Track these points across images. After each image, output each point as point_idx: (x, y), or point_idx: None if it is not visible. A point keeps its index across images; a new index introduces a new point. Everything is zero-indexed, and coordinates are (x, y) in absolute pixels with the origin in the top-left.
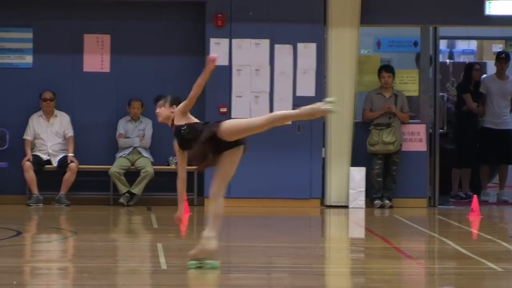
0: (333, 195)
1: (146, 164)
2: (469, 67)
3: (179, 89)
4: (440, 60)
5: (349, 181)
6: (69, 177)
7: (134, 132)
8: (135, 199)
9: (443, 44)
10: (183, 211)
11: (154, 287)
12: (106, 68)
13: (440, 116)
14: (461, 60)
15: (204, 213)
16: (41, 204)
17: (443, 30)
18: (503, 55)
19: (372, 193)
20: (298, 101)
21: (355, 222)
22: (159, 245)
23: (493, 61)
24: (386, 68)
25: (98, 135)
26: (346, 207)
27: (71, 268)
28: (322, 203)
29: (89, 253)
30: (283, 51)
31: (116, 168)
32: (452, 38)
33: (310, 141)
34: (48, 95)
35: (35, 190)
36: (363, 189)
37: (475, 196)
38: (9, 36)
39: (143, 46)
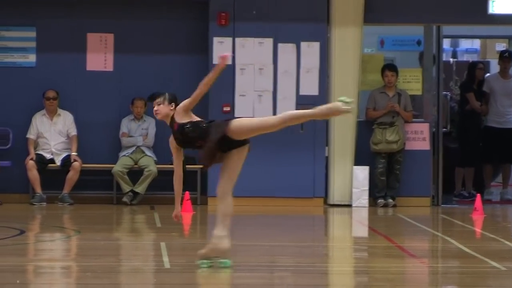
0: (336, 194)
1: (150, 163)
2: (472, 66)
3: (182, 88)
4: (444, 59)
5: (353, 180)
6: (72, 176)
7: (137, 131)
8: (139, 198)
9: (446, 43)
10: (181, 208)
11: (157, 286)
12: (110, 67)
13: (443, 115)
14: (464, 59)
15: (207, 212)
16: (45, 203)
17: (447, 29)
18: (507, 54)
19: (376, 192)
20: (301, 100)
21: (359, 221)
22: (163, 244)
23: (497, 60)
24: (390, 67)
25: (101, 134)
26: (349, 206)
27: (75, 267)
28: (325, 202)
29: (93, 252)
30: (287, 50)
31: (119, 167)
32: (455, 37)
33: (313, 140)
34: (51, 94)
35: (38, 189)
36: (367, 188)
37: (478, 195)
38: (12, 35)
39: (146, 45)
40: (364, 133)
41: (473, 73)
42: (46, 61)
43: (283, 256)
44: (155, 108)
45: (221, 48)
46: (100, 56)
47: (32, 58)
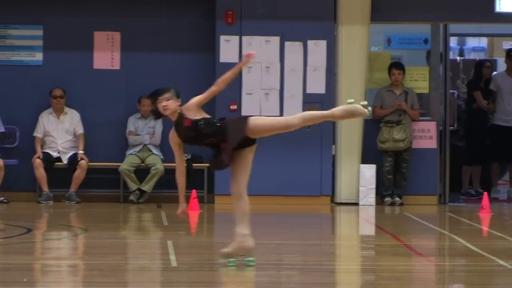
0: (343, 193)
1: (156, 162)
2: (479, 64)
3: (189, 86)
4: (451, 57)
5: (359, 179)
6: (79, 174)
7: (144, 130)
8: (145, 196)
9: (453, 41)
10: (186, 204)
11: (164, 284)
12: (116, 66)
13: (450, 114)
14: (471, 57)
15: (214, 211)
16: (51, 202)
17: (454, 27)
18: None
19: (383, 190)
20: (308, 98)
21: (365, 219)
22: (169, 243)
23: (504, 58)
24: (397, 65)
25: (108, 132)
26: (356, 204)
27: (81, 265)
28: (332, 201)
29: (99, 250)
30: (293, 49)
31: (126, 165)
32: (462, 35)
33: (320, 139)
34: (58, 92)
35: (45, 188)
36: (373, 186)
37: (485, 193)
38: (19, 33)
39: (153, 44)
40: (371, 131)
41: (480, 71)
42: (53, 60)
43: (290, 254)
44: (163, 104)
45: (228, 46)
46: (107, 54)
47: (39, 56)
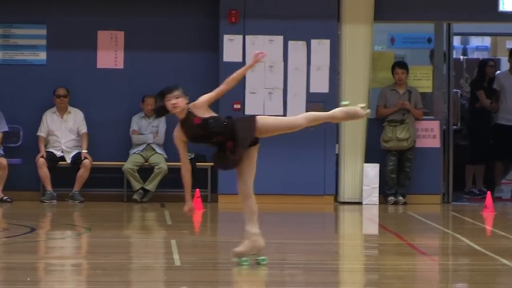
0: (346, 192)
1: (160, 161)
2: (483, 63)
3: (193, 86)
4: (454, 56)
5: (363, 178)
6: (82, 173)
7: (147, 129)
8: (149, 195)
9: (457, 41)
10: (192, 202)
11: (168, 283)
12: (120, 65)
13: (454, 113)
14: (475, 57)
15: (218, 210)
16: (55, 201)
17: (457, 26)
18: None
19: (386, 189)
20: (311, 98)
21: (369, 218)
22: (173, 242)
23: (507, 58)
24: (400, 65)
25: (111, 131)
26: (359, 203)
27: (85, 264)
28: (335, 200)
29: (103, 249)
30: (297, 48)
31: (129, 164)
32: (466, 35)
33: (324, 138)
34: (62, 91)
35: (49, 187)
36: (377, 185)
37: (489, 192)
38: (22, 32)
39: (156, 43)
40: (374, 130)
41: (483, 70)
42: (57, 59)
43: (293, 253)
44: (173, 102)
45: (231, 45)
46: (110, 53)
47: (42, 55)
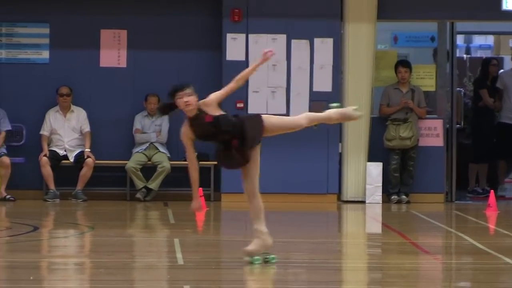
0: (350, 191)
1: (163, 159)
2: (486, 62)
3: (196, 84)
4: (457, 55)
5: (366, 176)
6: (85, 172)
7: (150, 127)
8: (152, 194)
9: (460, 39)
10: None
11: (171, 282)
12: (123, 63)
13: (457, 112)
14: (478, 55)
15: (221, 209)
16: (58, 200)
17: (460, 25)
18: None
19: (389, 188)
20: (315, 97)
21: (372, 217)
22: (176, 240)
23: (510, 56)
24: (403, 63)
25: (114, 130)
26: (363, 202)
27: (88, 263)
28: (339, 198)
29: (106, 248)
30: (300, 46)
31: (132, 163)
32: (469, 33)
33: (327, 136)
34: (64, 90)
35: (52, 186)
36: (380, 184)
37: (492, 191)
38: (25, 31)
39: (159, 41)
40: (377, 129)
41: (486, 69)
42: (60, 58)
43: (297, 252)
44: (185, 99)
45: (234, 44)
46: (113, 52)
47: (45, 54)
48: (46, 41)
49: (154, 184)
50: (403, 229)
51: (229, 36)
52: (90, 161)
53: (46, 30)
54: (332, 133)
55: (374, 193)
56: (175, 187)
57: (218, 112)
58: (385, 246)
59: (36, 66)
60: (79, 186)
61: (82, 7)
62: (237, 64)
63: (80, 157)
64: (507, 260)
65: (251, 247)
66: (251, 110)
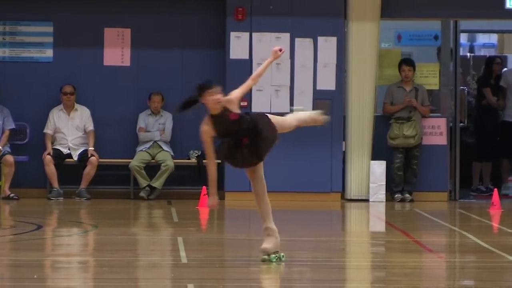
0: (353, 189)
1: (167, 158)
2: (489, 60)
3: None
4: (461, 53)
5: (370, 175)
6: (89, 171)
7: (154, 126)
8: (156, 193)
9: (463, 38)
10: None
11: (174, 281)
12: (127, 62)
13: (460, 110)
14: (481, 54)
15: (224, 207)
16: (62, 198)
17: (464, 23)
18: None
19: (393, 186)
20: (318, 95)
21: (376, 216)
22: (180, 239)
23: None
24: (407, 62)
25: (118, 129)
26: (366, 200)
27: (92, 262)
28: (342, 197)
29: (110, 247)
30: (304, 45)
31: (136, 162)
32: (472, 32)
33: (331, 135)
34: (68, 89)
35: (55, 184)
36: (384, 183)
37: (495, 189)
38: (29, 30)
39: (163, 40)
40: (381, 128)
41: (490, 67)
42: (63, 56)
43: (300, 250)
44: (216, 97)
45: (238, 43)
46: (117, 51)
47: (49, 53)
48: (50, 39)
49: (157, 183)
50: (407, 227)
51: (233, 34)
52: (93, 159)
53: (50, 29)
54: (335, 131)
55: (378, 191)
56: (178, 185)
57: (238, 110)
58: (389, 244)
59: (39, 65)
60: (83, 184)
61: (85, 6)
62: (241, 62)
63: (83, 156)
64: (511, 258)
65: (267, 245)
66: (255, 108)
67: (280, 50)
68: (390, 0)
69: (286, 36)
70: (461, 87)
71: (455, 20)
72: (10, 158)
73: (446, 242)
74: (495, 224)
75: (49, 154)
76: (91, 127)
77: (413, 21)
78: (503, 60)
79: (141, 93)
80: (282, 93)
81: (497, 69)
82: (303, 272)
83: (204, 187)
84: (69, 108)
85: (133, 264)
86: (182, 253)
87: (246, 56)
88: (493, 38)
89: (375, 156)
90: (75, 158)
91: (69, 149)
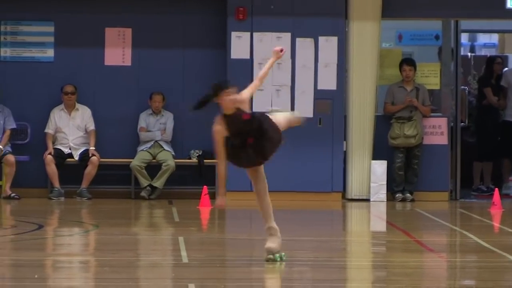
0: (354, 189)
1: (168, 158)
2: (490, 60)
3: (200, 83)
4: (462, 53)
5: (371, 175)
6: (90, 170)
7: (155, 126)
8: (157, 192)
9: (464, 38)
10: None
11: (175, 280)
12: (128, 62)
13: (461, 110)
14: (482, 54)
15: (225, 207)
16: (63, 198)
17: (465, 23)
18: None
19: (394, 186)
20: (319, 95)
21: (377, 215)
22: (181, 239)
23: None
24: (408, 62)
25: (119, 128)
26: (367, 200)
27: (93, 261)
28: (343, 197)
29: (111, 246)
30: (305, 45)
31: (137, 161)
32: (473, 32)
33: (332, 135)
34: (69, 88)
35: (56, 184)
36: (385, 182)
37: (496, 189)
38: (30, 29)
39: (164, 40)
40: (382, 127)
41: (491, 67)
42: (64, 56)
43: (301, 250)
44: (233, 97)
45: (239, 42)
46: (118, 50)
47: (50, 53)
48: (51, 39)
49: (158, 182)
50: (408, 227)
51: (233, 34)
52: (94, 159)
53: (51, 29)
54: (336, 131)
55: (379, 191)
56: (179, 185)
57: (249, 110)
58: (390, 244)
59: (40, 65)
60: (84, 184)
61: (86, 6)
62: (241, 62)
63: (84, 155)
64: (511, 258)
65: (271, 244)
66: (256, 108)
67: (281, 51)
68: (391, 0)
69: (287, 36)
70: (462, 87)
71: (456, 20)
72: (11, 157)
73: (447, 242)
74: (496, 224)
75: (50, 153)
76: (92, 127)
77: (414, 21)
78: (504, 60)
79: (142, 93)
80: (283, 93)
81: (498, 69)
82: (304, 272)
83: (205, 186)
84: (70, 108)
85: (134, 264)
86: (183, 253)
87: (247, 56)
88: (494, 38)
89: (376, 155)
90: (76, 157)
91: (70, 149)
